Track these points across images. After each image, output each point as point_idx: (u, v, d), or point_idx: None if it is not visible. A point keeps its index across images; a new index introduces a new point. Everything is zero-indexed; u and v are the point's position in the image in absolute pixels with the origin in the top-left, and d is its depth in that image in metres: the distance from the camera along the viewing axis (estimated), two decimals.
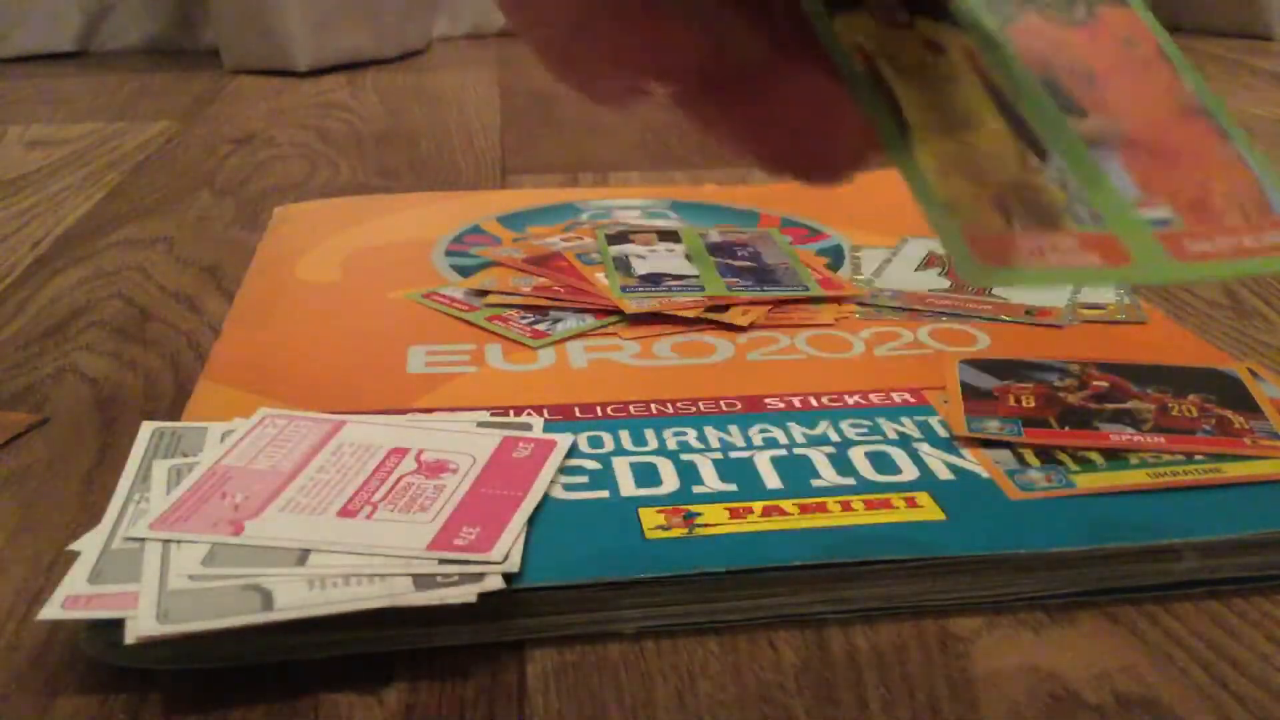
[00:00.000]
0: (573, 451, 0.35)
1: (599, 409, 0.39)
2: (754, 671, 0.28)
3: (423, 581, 0.28)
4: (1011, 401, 0.38)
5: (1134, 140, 0.21)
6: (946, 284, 0.50)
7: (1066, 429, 0.36)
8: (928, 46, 0.21)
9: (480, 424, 0.37)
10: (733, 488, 0.33)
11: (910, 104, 0.20)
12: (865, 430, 0.37)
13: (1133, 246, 0.19)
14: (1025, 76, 0.21)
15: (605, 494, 0.33)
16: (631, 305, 0.46)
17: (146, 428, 0.36)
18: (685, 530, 0.31)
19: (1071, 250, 0.19)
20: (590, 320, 0.46)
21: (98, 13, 1.24)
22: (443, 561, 0.29)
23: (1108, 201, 0.20)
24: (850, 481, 0.34)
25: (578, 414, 0.38)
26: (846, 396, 0.39)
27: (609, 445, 0.36)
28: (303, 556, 0.29)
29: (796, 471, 0.34)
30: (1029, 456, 0.35)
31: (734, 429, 0.37)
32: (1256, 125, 0.86)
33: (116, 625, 0.27)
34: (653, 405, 0.39)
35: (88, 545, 0.30)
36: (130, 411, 0.41)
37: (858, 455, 0.35)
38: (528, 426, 0.37)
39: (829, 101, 0.21)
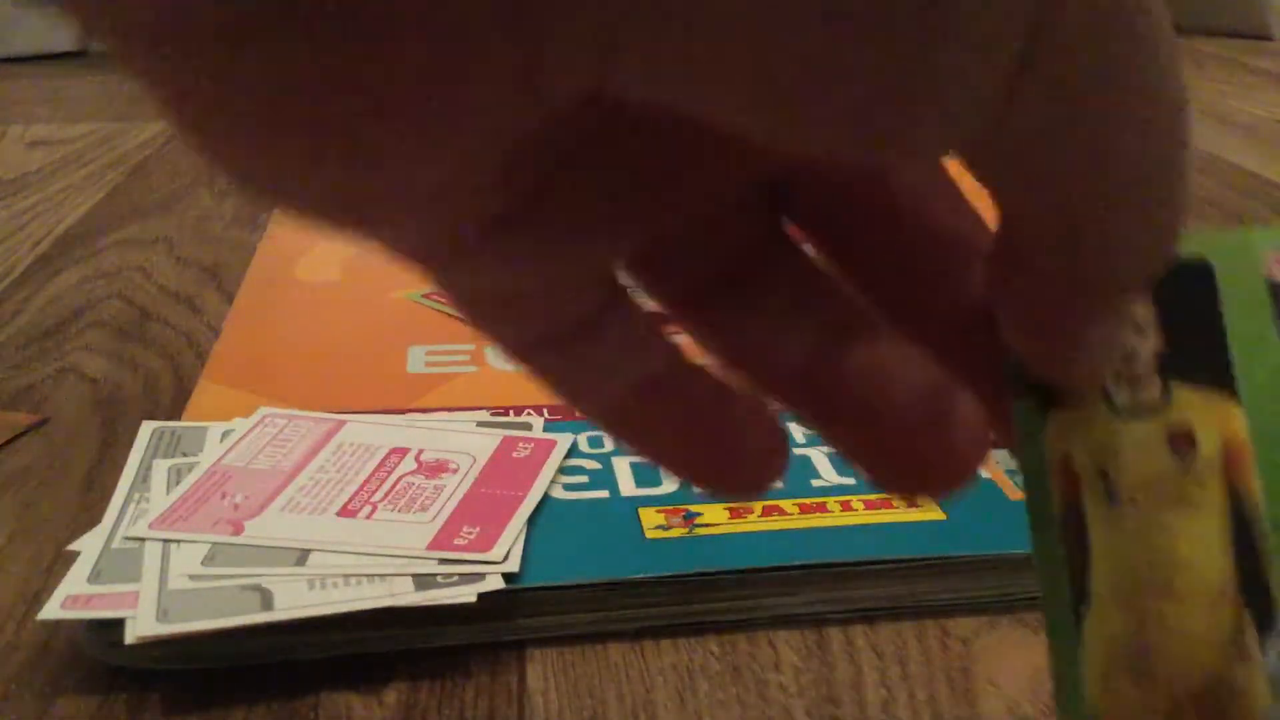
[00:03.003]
0: (573, 451, 0.35)
1: None
2: (754, 671, 0.28)
3: (423, 581, 0.28)
4: None
5: None
6: None
7: None
8: (1175, 441, 0.16)
9: (480, 424, 0.37)
10: None
11: (1105, 559, 0.15)
12: None
13: None
14: None
15: (605, 494, 0.33)
16: None
17: (146, 428, 0.36)
18: (685, 530, 0.31)
19: None
20: None
21: None
22: (443, 561, 0.29)
23: None
24: (850, 481, 0.34)
25: (578, 414, 0.38)
26: None
27: (609, 445, 0.36)
28: (303, 556, 0.29)
29: (796, 471, 0.34)
30: None
31: None
32: (1256, 125, 0.86)
33: (116, 625, 0.27)
34: None
35: (88, 545, 0.30)
36: (130, 411, 0.41)
37: None
38: (528, 426, 0.37)
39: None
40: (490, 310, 0.16)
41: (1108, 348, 0.15)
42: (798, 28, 0.10)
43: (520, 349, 0.17)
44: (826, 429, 0.17)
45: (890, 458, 0.17)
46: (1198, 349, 0.16)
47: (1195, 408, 0.16)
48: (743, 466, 0.17)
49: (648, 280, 0.17)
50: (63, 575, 0.28)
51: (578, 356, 0.16)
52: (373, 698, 0.27)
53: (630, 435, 0.18)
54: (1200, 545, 0.15)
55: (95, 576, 0.28)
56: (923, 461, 0.17)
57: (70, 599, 0.27)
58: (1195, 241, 0.16)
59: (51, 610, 0.27)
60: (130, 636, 0.26)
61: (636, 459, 0.34)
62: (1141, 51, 0.11)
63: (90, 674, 0.28)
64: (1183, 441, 0.16)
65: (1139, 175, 0.12)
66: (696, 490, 0.18)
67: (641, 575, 0.29)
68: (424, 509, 0.31)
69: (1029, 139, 0.12)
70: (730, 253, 0.17)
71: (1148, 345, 0.16)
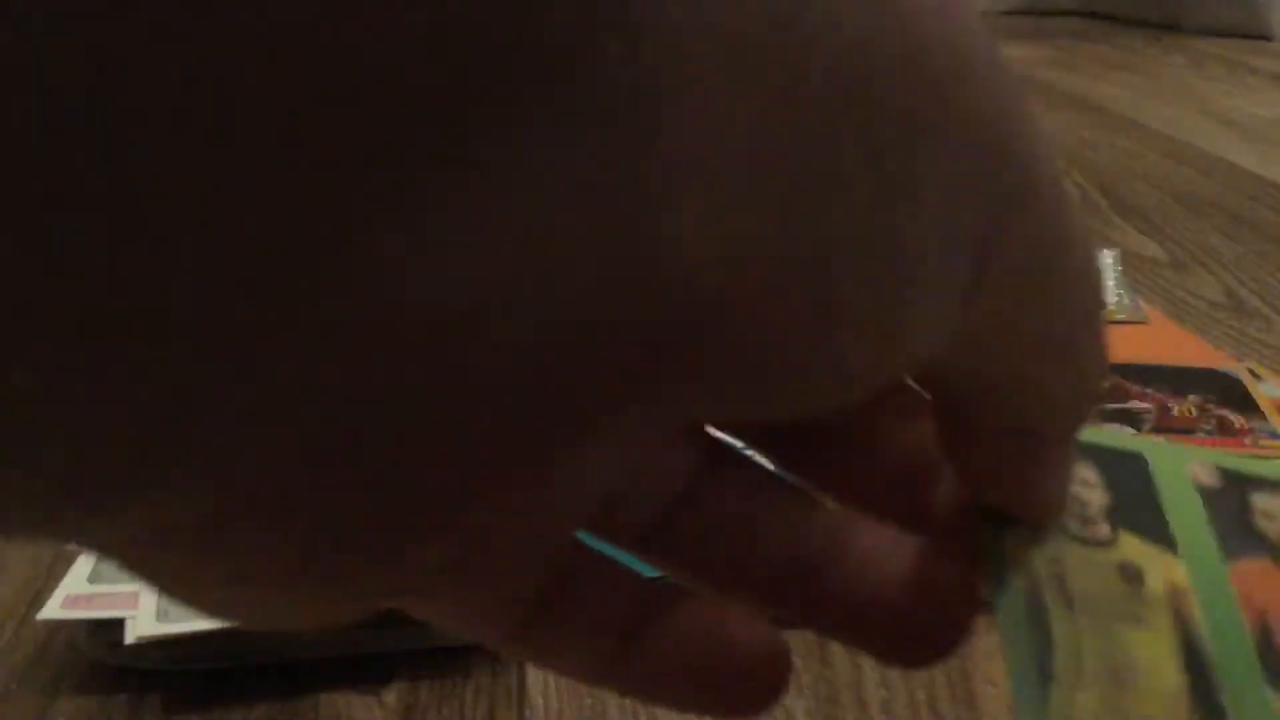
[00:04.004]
0: None
1: None
2: None
3: None
4: None
5: None
6: None
7: None
8: (1123, 574, 0.17)
9: None
10: None
11: (1067, 646, 0.17)
12: None
13: None
14: (1236, 633, 0.17)
15: None
16: None
17: None
18: None
19: None
20: None
21: None
22: None
23: None
24: None
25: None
26: None
27: None
28: None
29: None
30: None
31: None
32: (1257, 125, 0.86)
33: (116, 625, 0.27)
34: None
35: None
36: None
37: None
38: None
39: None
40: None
41: (1062, 491, 0.16)
42: (807, 333, 0.11)
43: (499, 641, 0.16)
44: (815, 624, 0.18)
45: (890, 639, 0.18)
46: (1140, 512, 0.18)
47: (1141, 552, 0.17)
48: (751, 684, 0.17)
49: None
50: (63, 575, 0.28)
51: (549, 631, 0.16)
52: (373, 698, 0.27)
53: (629, 686, 0.17)
54: (1154, 656, 0.16)
55: (95, 576, 0.28)
56: (922, 633, 0.18)
57: (70, 599, 0.27)
58: (1127, 442, 0.18)
59: (51, 610, 0.27)
60: (130, 636, 0.26)
61: None
62: (1069, 251, 0.13)
63: (90, 674, 0.28)
64: (1131, 573, 0.17)
65: (1071, 341, 0.14)
66: None
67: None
68: None
69: (977, 345, 0.13)
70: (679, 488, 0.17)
71: (1095, 496, 0.18)
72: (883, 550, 0.17)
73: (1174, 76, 1.07)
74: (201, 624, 0.27)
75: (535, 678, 0.28)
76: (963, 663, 0.28)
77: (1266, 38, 1.27)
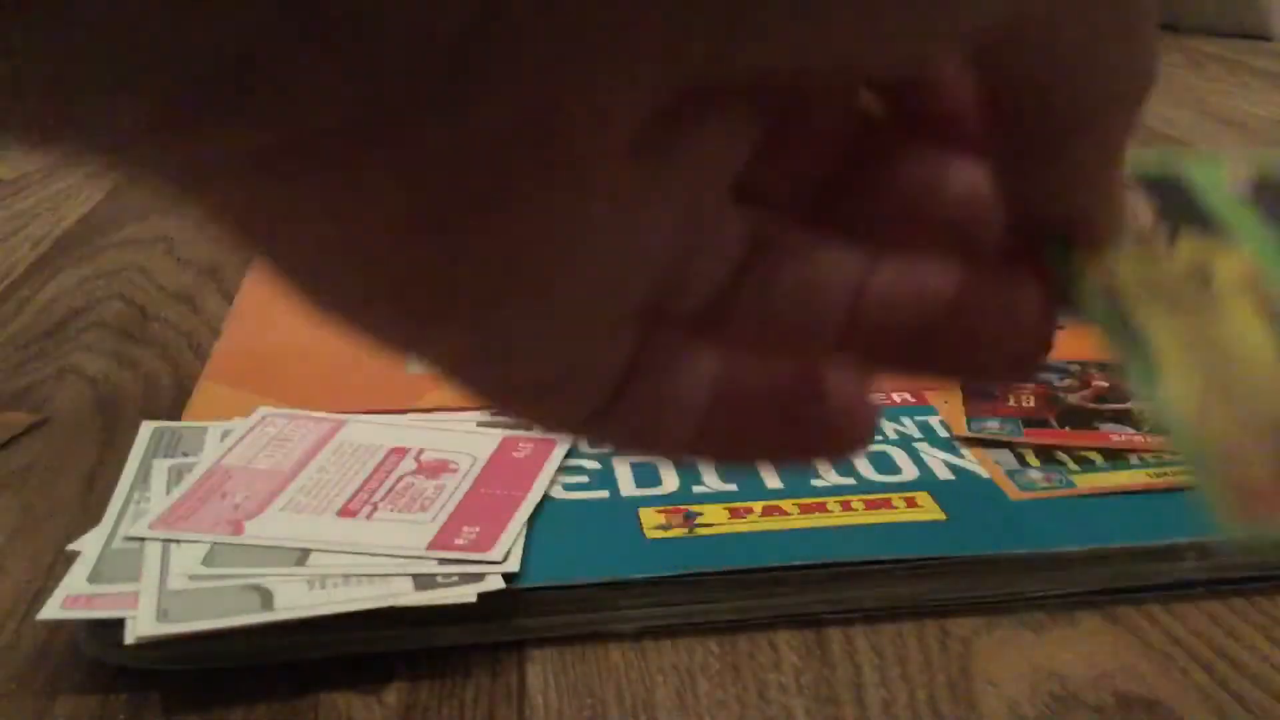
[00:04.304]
0: (573, 451, 0.35)
1: None
2: (754, 671, 0.28)
3: (423, 581, 0.28)
4: (1011, 401, 0.38)
5: None
6: None
7: (1066, 429, 0.36)
8: (1193, 276, 0.19)
9: (480, 424, 0.37)
10: (733, 488, 0.33)
11: (1166, 339, 0.18)
12: None
13: None
14: None
15: (605, 494, 0.33)
16: None
17: (146, 428, 0.36)
18: (685, 530, 0.31)
19: None
20: None
21: None
22: (443, 561, 0.29)
23: None
24: (850, 481, 0.34)
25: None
26: None
27: None
28: (303, 556, 0.29)
29: (796, 471, 0.34)
30: (1029, 456, 0.35)
31: None
32: (1257, 125, 0.86)
33: (116, 625, 0.27)
34: None
35: (88, 545, 0.30)
36: (130, 411, 0.41)
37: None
38: (528, 426, 0.37)
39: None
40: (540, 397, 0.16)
41: (1123, 199, 0.18)
42: None
43: (581, 423, 0.16)
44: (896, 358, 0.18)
45: (977, 356, 0.18)
46: (1192, 218, 0.19)
47: (1203, 251, 0.18)
48: (842, 426, 0.17)
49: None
50: (63, 575, 0.28)
51: (640, 402, 0.16)
52: (373, 698, 0.27)
53: (723, 450, 0.17)
54: (1244, 335, 0.18)
55: (95, 576, 0.28)
56: (1007, 351, 0.18)
57: (70, 599, 0.27)
58: (1162, 161, 0.20)
59: (51, 610, 0.27)
60: (130, 636, 0.26)
61: (636, 459, 0.34)
62: None
63: (90, 674, 0.28)
64: (1200, 271, 0.18)
65: (1133, 21, 0.15)
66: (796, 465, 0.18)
67: (641, 575, 0.29)
68: (424, 509, 0.31)
69: (1051, 20, 0.14)
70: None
71: (1144, 213, 0.19)
72: (948, 277, 0.17)
73: (1174, 76, 1.07)
74: (201, 624, 0.27)
75: (535, 678, 0.28)
76: (963, 662, 0.28)
77: (1266, 38, 1.27)
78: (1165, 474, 0.34)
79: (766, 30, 0.12)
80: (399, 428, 0.36)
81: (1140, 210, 0.19)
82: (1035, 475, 0.34)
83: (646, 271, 0.14)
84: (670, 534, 0.31)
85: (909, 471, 0.34)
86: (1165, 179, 0.20)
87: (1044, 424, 0.36)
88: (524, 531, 0.31)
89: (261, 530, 0.30)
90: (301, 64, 0.10)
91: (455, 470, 0.34)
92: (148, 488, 0.32)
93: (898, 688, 0.28)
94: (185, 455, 0.34)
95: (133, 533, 0.30)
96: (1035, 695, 0.27)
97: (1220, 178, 0.20)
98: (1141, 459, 0.35)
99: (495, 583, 0.28)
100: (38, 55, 0.10)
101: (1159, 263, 0.19)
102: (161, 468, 0.33)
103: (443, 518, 0.31)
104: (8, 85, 0.10)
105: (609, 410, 0.16)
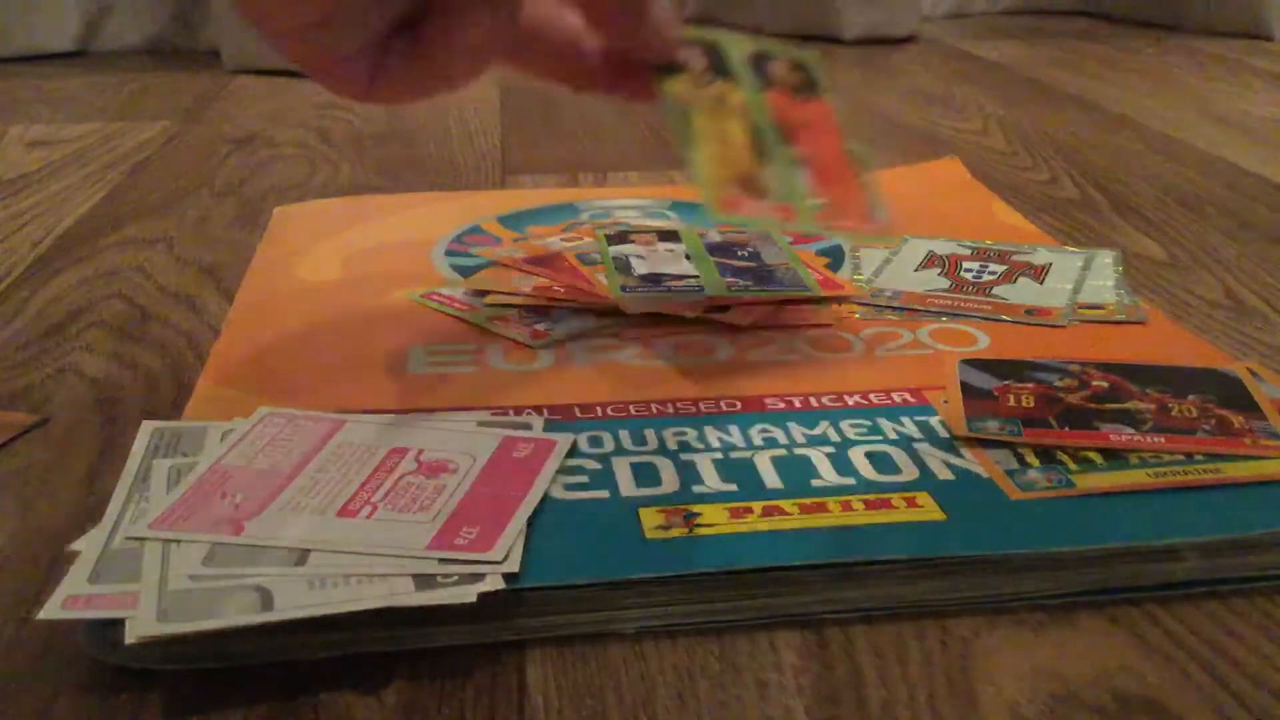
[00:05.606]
0: (573, 451, 0.35)
1: (599, 409, 0.39)
2: (754, 671, 0.28)
3: (423, 581, 0.28)
4: (1011, 401, 0.38)
5: (814, 164, 0.40)
6: (947, 284, 0.50)
7: (1066, 429, 0.36)
8: (717, 99, 0.40)
9: (480, 424, 0.37)
10: (733, 488, 0.33)
11: (699, 126, 0.40)
12: (865, 430, 0.37)
13: (799, 213, 0.39)
14: (767, 121, 0.41)
15: (605, 494, 0.33)
16: (632, 305, 0.46)
17: (146, 428, 0.36)
18: (685, 530, 0.31)
19: (767, 210, 0.39)
20: (590, 320, 0.46)
21: (98, 13, 1.24)
22: (443, 561, 0.29)
23: (794, 192, 0.39)
24: (850, 481, 0.34)
25: (578, 414, 0.38)
26: (846, 396, 0.40)
27: (609, 445, 0.36)
28: (303, 556, 0.29)
29: (796, 471, 0.34)
30: (1029, 456, 0.35)
31: (734, 429, 0.37)
32: (1257, 125, 0.86)
33: (116, 625, 0.27)
34: (653, 405, 0.39)
35: (88, 545, 0.30)
36: (130, 411, 0.41)
37: (858, 455, 0.35)
38: (528, 426, 0.37)
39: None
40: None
41: (670, 35, 0.38)
42: None
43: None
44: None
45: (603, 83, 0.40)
46: (722, 68, 0.41)
47: (724, 89, 0.40)
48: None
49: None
50: (63, 575, 0.28)
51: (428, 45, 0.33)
52: (373, 698, 0.27)
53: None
54: (735, 130, 0.40)
55: (95, 576, 0.28)
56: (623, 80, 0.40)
57: (70, 599, 0.28)
58: (709, 34, 0.41)
59: (51, 610, 0.27)
60: (130, 636, 0.26)
61: (636, 460, 0.34)
62: None
63: (90, 674, 0.28)
64: (720, 99, 0.40)
65: None
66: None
67: (641, 575, 0.29)
68: (424, 509, 0.31)
69: None
70: None
71: (698, 62, 0.40)
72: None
73: (1174, 76, 1.07)
74: (201, 624, 0.27)
75: (535, 678, 0.28)
76: (963, 663, 0.28)
77: (1266, 38, 1.27)
78: (1165, 474, 0.34)
79: None
80: (399, 428, 0.36)
81: (695, 59, 0.40)
82: (1035, 475, 0.34)
83: None
84: (670, 534, 0.31)
85: (909, 471, 0.34)
86: (710, 45, 0.41)
87: (1044, 424, 0.36)
88: (524, 531, 0.31)
89: (261, 530, 0.30)
90: None
91: (455, 470, 0.34)
92: (148, 488, 0.32)
93: (898, 688, 0.28)
94: (185, 455, 0.34)
95: (133, 533, 0.30)
96: (1035, 695, 0.27)
97: (740, 48, 0.42)
98: (1141, 459, 0.35)
99: (495, 583, 0.28)
100: None
101: (703, 90, 0.40)
102: (161, 468, 0.33)
103: (443, 518, 0.31)
104: None
105: (395, 57, 0.33)
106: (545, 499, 0.32)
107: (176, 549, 0.29)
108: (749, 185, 0.39)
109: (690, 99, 0.40)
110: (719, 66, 0.41)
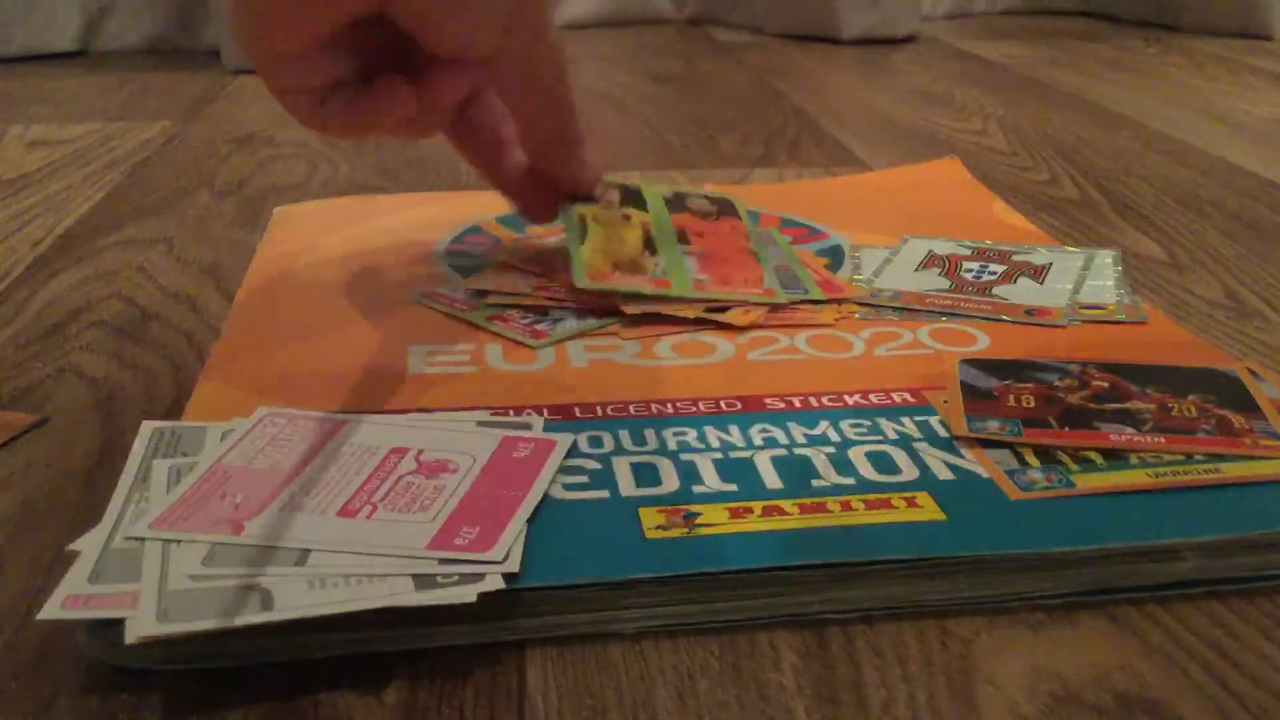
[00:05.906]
0: (573, 451, 0.35)
1: (599, 409, 0.39)
2: (754, 671, 0.28)
3: (423, 581, 0.28)
4: (1011, 401, 0.38)
5: (708, 256, 0.49)
6: (947, 284, 0.50)
7: (1066, 429, 0.36)
8: (624, 217, 0.49)
9: (480, 424, 0.37)
10: (733, 488, 0.33)
11: (593, 229, 0.47)
12: (865, 430, 0.37)
13: (674, 281, 0.46)
14: (665, 226, 0.50)
15: (605, 494, 0.33)
16: (632, 306, 0.46)
17: (146, 428, 0.36)
18: (685, 530, 0.31)
19: (640, 281, 0.46)
20: (590, 320, 0.46)
21: (98, 13, 1.24)
22: (443, 561, 0.29)
23: (676, 268, 0.47)
24: (850, 481, 0.34)
25: (578, 414, 0.38)
26: (846, 396, 0.40)
27: (609, 445, 0.36)
28: (303, 556, 0.29)
29: (796, 471, 0.34)
30: (1029, 456, 0.35)
31: (734, 429, 0.37)
32: (1257, 125, 0.86)
33: (116, 625, 0.27)
34: (653, 405, 0.39)
35: (88, 545, 0.30)
36: (130, 411, 0.41)
37: (858, 455, 0.35)
38: (528, 426, 0.37)
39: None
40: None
41: (587, 174, 0.47)
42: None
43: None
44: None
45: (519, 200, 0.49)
46: (637, 202, 0.51)
47: (632, 213, 0.49)
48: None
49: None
50: (63, 575, 0.28)
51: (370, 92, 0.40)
52: (373, 698, 0.27)
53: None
54: (630, 239, 0.48)
55: (95, 576, 0.28)
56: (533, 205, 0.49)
57: (70, 599, 0.28)
58: (636, 183, 0.52)
59: (51, 610, 0.27)
60: (130, 636, 0.26)
61: (636, 460, 0.34)
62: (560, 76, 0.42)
63: (90, 674, 0.28)
64: (627, 217, 0.49)
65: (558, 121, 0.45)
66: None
67: (641, 575, 0.29)
68: (424, 509, 0.31)
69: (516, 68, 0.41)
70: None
71: (615, 197, 0.50)
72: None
73: (1174, 76, 1.07)
74: (201, 624, 0.27)
75: (535, 678, 0.28)
76: (963, 663, 0.28)
77: (1267, 38, 1.27)
78: (1165, 474, 0.34)
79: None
80: (399, 428, 0.36)
81: (610, 195, 0.49)
82: (1035, 475, 0.34)
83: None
84: (670, 534, 0.31)
85: (909, 471, 0.34)
86: (631, 189, 0.51)
87: (1044, 424, 0.36)
88: (524, 531, 0.31)
89: (261, 530, 0.30)
90: None
91: (455, 470, 0.34)
92: (148, 488, 0.32)
93: (898, 688, 0.28)
94: (185, 455, 0.34)
95: (132, 533, 0.30)
96: (1035, 695, 0.27)
97: (659, 190, 0.52)
98: (1141, 459, 0.35)
99: (495, 583, 0.28)
100: None
101: (609, 212, 0.48)
102: (161, 468, 0.33)
103: (443, 518, 0.31)
104: None
105: (341, 95, 0.39)
106: (545, 499, 0.32)
107: (176, 549, 0.29)
108: (628, 267, 0.46)
109: (591, 213, 0.48)
110: (634, 202, 0.50)
